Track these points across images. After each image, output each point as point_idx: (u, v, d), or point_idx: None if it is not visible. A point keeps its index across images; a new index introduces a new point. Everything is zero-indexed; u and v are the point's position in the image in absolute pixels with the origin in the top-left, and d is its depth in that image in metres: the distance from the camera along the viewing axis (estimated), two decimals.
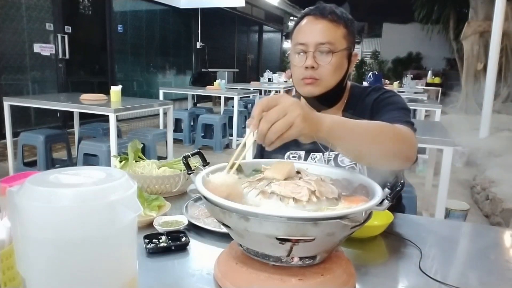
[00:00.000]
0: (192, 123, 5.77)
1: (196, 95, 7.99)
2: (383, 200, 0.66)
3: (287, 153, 1.26)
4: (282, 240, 0.62)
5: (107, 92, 3.67)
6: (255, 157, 1.42)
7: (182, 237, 0.90)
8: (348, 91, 1.26)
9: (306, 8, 1.19)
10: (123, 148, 2.75)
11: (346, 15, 1.17)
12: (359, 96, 1.25)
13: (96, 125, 4.33)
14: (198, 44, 9.79)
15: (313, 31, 1.13)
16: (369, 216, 0.66)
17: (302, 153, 1.24)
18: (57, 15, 5.65)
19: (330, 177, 0.81)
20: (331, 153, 1.20)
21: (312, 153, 1.23)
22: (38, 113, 5.50)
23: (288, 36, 17.49)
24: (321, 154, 1.22)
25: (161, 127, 5.20)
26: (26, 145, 3.71)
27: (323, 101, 1.21)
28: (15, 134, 3.68)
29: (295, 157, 1.24)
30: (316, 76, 1.14)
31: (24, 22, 5.26)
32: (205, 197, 0.67)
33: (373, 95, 1.22)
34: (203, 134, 5.47)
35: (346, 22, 1.15)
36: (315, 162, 1.21)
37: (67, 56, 5.75)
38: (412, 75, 8.98)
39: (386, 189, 0.68)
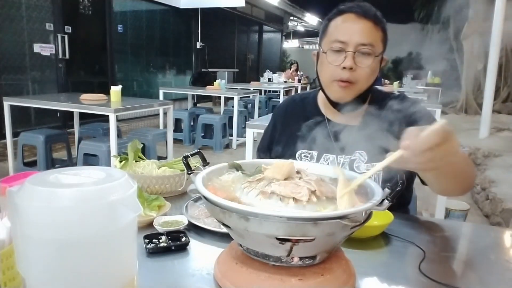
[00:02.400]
0: (192, 123, 5.77)
1: (196, 95, 8.00)
2: (383, 200, 0.66)
3: (299, 152, 1.22)
4: (282, 240, 0.62)
5: (107, 92, 3.67)
6: (258, 148, 1.40)
7: (182, 237, 0.90)
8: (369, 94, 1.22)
9: (343, 5, 1.13)
10: (123, 148, 2.75)
11: (383, 17, 1.13)
12: (381, 101, 1.17)
13: (96, 125, 4.33)
14: (198, 44, 9.79)
15: (354, 30, 1.08)
16: (369, 216, 0.66)
17: (315, 153, 1.21)
18: (57, 15, 5.65)
19: (329, 176, 0.81)
20: (346, 156, 1.17)
21: (325, 154, 1.19)
22: (38, 113, 5.50)
23: (288, 36, 17.50)
24: (334, 156, 1.19)
25: (161, 127, 5.20)
26: (26, 145, 3.71)
27: (348, 105, 1.16)
28: (15, 134, 3.68)
29: (307, 156, 1.21)
30: (352, 79, 1.09)
31: (24, 22, 5.26)
32: (205, 197, 0.67)
33: (402, 105, 1.13)
34: (203, 134, 5.47)
35: (384, 25, 1.12)
36: (328, 163, 1.18)
37: (67, 56, 5.76)
38: (412, 75, 8.98)
39: (386, 189, 0.68)
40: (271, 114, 1.49)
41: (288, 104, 1.38)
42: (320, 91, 1.29)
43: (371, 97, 1.22)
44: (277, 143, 1.31)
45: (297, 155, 1.22)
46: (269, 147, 1.34)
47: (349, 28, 1.09)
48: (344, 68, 1.09)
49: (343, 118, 1.22)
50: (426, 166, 0.69)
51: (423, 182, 1.11)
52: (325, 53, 1.13)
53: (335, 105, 1.20)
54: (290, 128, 1.28)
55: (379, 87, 1.25)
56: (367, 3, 1.14)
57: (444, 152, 0.67)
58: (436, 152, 0.66)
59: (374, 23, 1.09)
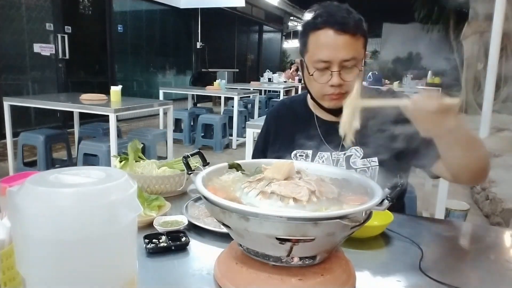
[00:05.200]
0: (192, 123, 5.76)
1: (196, 95, 7.99)
2: (383, 200, 0.66)
3: (294, 152, 1.24)
4: (282, 240, 0.62)
5: (107, 92, 3.67)
6: (253, 157, 1.42)
7: (182, 237, 0.90)
8: None
9: (320, 11, 1.10)
10: (123, 148, 2.75)
11: (360, 20, 1.11)
12: (370, 97, 1.24)
13: (96, 125, 4.32)
14: (198, 44, 9.79)
15: (336, 48, 1.07)
16: (369, 216, 0.66)
17: (309, 152, 1.23)
18: (57, 15, 5.64)
19: (329, 177, 0.81)
20: (340, 153, 1.20)
21: (319, 152, 1.21)
22: (38, 113, 5.49)
23: (288, 36, 17.49)
24: (328, 153, 1.21)
25: (161, 127, 5.20)
26: (26, 145, 3.71)
27: (340, 109, 1.19)
28: (15, 134, 3.68)
29: (302, 155, 1.23)
30: (342, 91, 1.11)
31: (24, 22, 5.26)
32: (205, 197, 0.67)
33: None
34: (203, 134, 5.47)
35: (363, 30, 1.11)
36: (323, 161, 1.20)
37: (67, 56, 5.75)
38: (412, 75, 8.98)
39: (386, 189, 0.68)
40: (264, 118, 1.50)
41: (279, 107, 1.41)
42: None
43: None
44: (272, 146, 1.32)
45: (292, 155, 1.24)
46: (264, 151, 1.35)
47: (331, 47, 1.08)
48: (332, 85, 1.11)
49: (333, 116, 1.24)
50: (422, 125, 0.84)
51: (431, 176, 1.12)
52: (312, 75, 1.13)
53: (326, 110, 1.23)
54: (283, 130, 1.31)
55: (377, 87, 1.28)
56: (344, 8, 1.11)
57: (442, 121, 0.82)
58: (434, 118, 0.81)
59: (353, 35, 1.08)
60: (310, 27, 1.12)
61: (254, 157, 1.40)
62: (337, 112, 1.21)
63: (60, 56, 5.69)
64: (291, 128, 1.29)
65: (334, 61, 1.08)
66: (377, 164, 1.16)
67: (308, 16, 1.14)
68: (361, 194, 0.73)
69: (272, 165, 0.77)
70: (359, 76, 1.13)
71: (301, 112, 1.31)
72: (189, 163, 0.82)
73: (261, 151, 1.37)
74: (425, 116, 0.81)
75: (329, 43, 1.08)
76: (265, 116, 1.51)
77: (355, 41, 1.09)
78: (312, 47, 1.12)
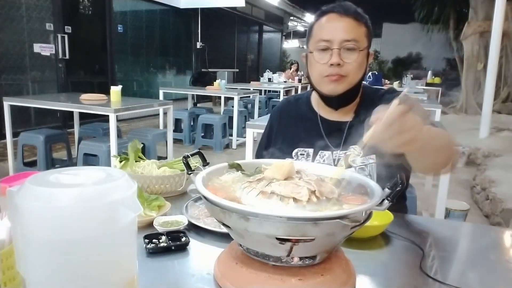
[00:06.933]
0: (192, 123, 5.76)
1: (196, 95, 7.99)
2: (383, 200, 0.66)
3: (295, 150, 1.25)
4: (282, 240, 0.62)
5: (107, 92, 3.67)
6: (257, 153, 1.42)
7: (182, 237, 0.90)
8: (360, 90, 1.26)
9: (325, 6, 1.18)
10: (123, 148, 2.75)
11: (365, 15, 1.17)
12: (372, 97, 1.26)
13: (96, 125, 4.32)
14: (198, 44, 9.78)
15: (337, 28, 1.13)
16: (369, 216, 0.66)
17: (311, 150, 1.23)
18: (57, 15, 5.64)
19: (329, 176, 0.81)
20: (340, 152, 1.20)
21: (321, 151, 1.22)
22: (38, 113, 5.49)
23: (288, 36, 17.50)
24: (329, 152, 1.21)
25: (161, 127, 5.20)
26: (26, 145, 3.71)
27: (341, 100, 1.20)
28: (15, 134, 3.68)
29: (303, 154, 1.24)
30: (342, 73, 1.13)
31: (24, 22, 5.25)
32: (205, 197, 0.67)
33: (389, 98, 1.22)
34: (203, 134, 5.47)
35: (366, 21, 1.16)
36: (324, 160, 1.20)
37: (67, 56, 5.75)
38: (412, 75, 8.98)
39: (386, 189, 0.68)
40: (269, 115, 1.51)
41: (283, 105, 1.41)
42: (313, 91, 1.31)
43: (362, 93, 1.25)
44: (274, 144, 1.33)
45: (293, 153, 1.25)
46: (267, 148, 1.35)
47: (332, 27, 1.14)
48: (331, 65, 1.13)
49: (336, 115, 1.25)
50: (397, 140, 0.74)
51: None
52: (312, 53, 1.17)
53: (328, 102, 1.23)
54: (286, 128, 1.32)
55: (377, 87, 1.29)
56: (348, 1, 1.17)
57: (410, 122, 0.73)
58: (402, 123, 0.72)
59: (355, 20, 1.14)
60: (317, 15, 1.19)
61: (258, 153, 1.41)
62: (339, 107, 1.22)
63: (60, 56, 5.69)
64: (294, 126, 1.30)
65: (334, 40, 1.12)
66: (375, 161, 1.17)
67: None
68: (361, 194, 0.73)
69: (272, 165, 0.77)
70: (361, 67, 1.15)
71: (305, 111, 1.31)
72: (189, 163, 0.82)
73: (264, 148, 1.38)
74: (397, 127, 0.73)
75: (331, 24, 1.14)
76: (268, 115, 1.51)
77: (357, 26, 1.13)
78: (316, 31, 1.17)
